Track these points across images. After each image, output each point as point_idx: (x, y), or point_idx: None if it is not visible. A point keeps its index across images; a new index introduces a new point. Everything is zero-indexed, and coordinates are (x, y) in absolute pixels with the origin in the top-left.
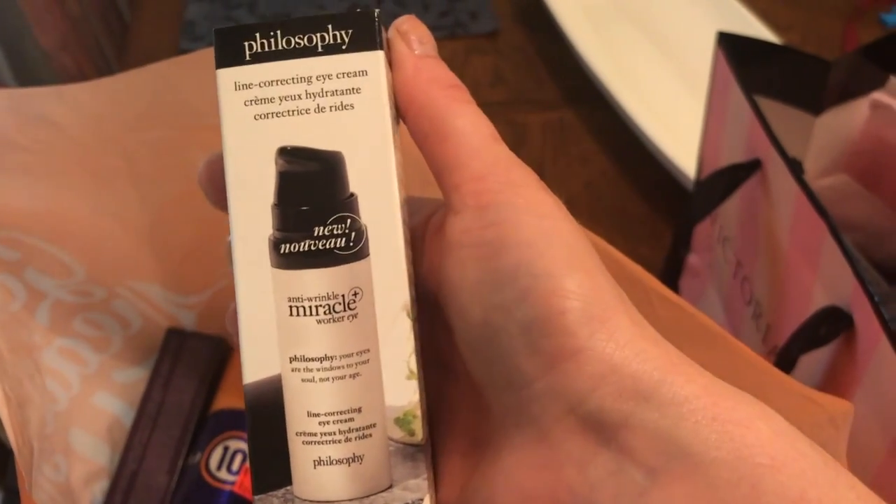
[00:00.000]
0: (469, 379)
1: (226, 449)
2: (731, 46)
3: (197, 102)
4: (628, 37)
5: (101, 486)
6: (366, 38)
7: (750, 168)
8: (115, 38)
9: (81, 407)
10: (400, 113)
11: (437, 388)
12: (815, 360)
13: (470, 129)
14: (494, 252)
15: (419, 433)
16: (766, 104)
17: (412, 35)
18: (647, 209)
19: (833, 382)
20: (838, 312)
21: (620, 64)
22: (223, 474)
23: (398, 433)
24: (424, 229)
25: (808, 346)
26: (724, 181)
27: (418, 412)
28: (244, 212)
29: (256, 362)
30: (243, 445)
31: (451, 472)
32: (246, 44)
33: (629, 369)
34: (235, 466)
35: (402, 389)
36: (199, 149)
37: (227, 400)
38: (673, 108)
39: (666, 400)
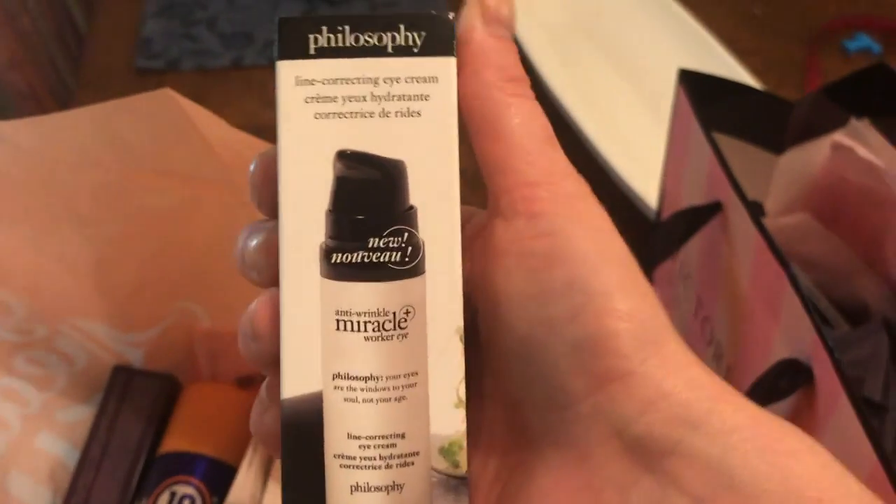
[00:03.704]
0: (500, 396)
1: (172, 495)
2: (693, 84)
3: (137, 146)
4: (592, 61)
5: None
6: (440, 42)
7: (711, 210)
8: (71, 55)
9: (22, 449)
10: None
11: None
12: (775, 412)
13: (525, 130)
14: (546, 264)
15: (464, 465)
16: (727, 142)
17: (491, 2)
18: None
19: None
20: (798, 365)
21: (583, 89)
22: None
23: (442, 464)
24: None
25: (768, 398)
26: (684, 222)
27: (464, 443)
28: (296, 215)
29: (296, 377)
30: (191, 491)
31: (478, 493)
32: (311, 37)
33: (680, 396)
34: None
35: (449, 418)
36: (143, 192)
37: (175, 442)
38: (635, 134)
39: (715, 429)
